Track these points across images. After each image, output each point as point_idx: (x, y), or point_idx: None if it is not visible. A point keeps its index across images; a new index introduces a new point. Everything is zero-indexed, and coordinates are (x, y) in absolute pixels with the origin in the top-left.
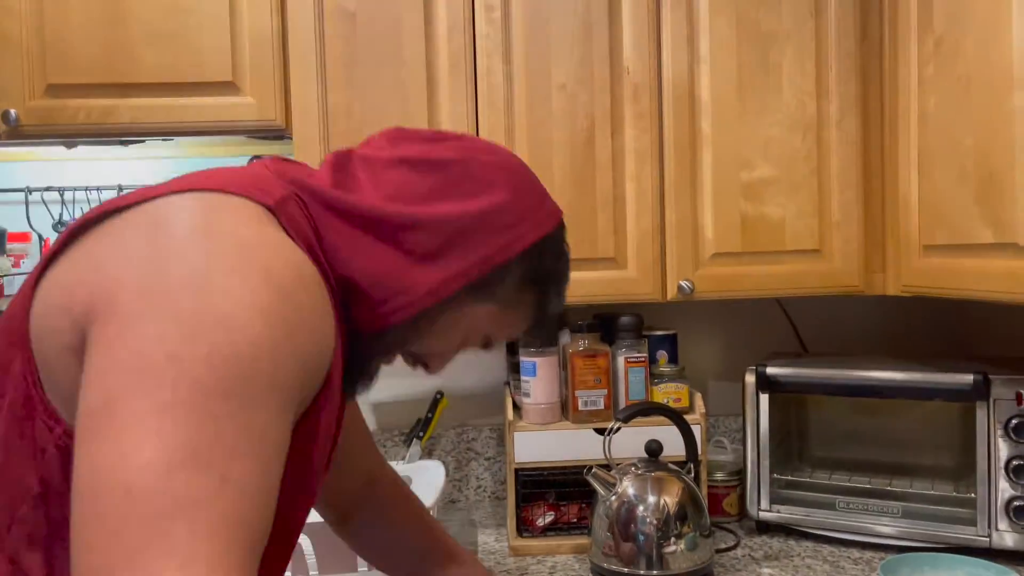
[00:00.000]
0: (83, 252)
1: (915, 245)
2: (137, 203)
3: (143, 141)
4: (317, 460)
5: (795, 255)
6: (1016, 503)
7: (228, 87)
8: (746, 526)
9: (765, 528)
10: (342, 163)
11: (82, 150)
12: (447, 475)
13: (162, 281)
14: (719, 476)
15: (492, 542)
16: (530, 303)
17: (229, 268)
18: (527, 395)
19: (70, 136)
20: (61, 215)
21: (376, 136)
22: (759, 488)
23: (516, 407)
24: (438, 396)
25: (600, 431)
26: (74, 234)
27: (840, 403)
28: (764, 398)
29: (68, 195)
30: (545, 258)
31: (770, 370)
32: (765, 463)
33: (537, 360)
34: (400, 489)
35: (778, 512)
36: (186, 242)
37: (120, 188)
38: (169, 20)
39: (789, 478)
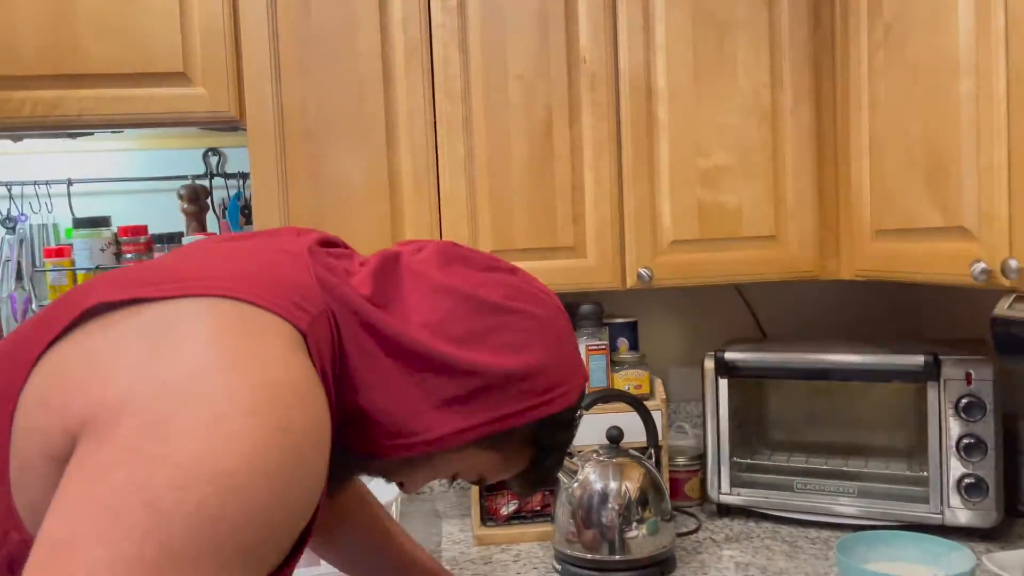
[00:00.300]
0: (93, 347)
1: (867, 230)
2: (169, 297)
3: (92, 133)
4: None
5: (751, 241)
6: (967, 481)
7: (179, 78)
8: (707, 510)
9: (726, 511)
10: (388, 271)
11: (29, 143)
12: None
13: (168, 414)
14: (680, 461)
15: (457, 532)
16: (528, 458)
17: (246, 411)
18: None
19: (16, 129)
20: (9, 210)
21: (428, 247)
22: (719, 472)
23: None
24: None
25: None
26: (93, 313)
27: (798, 387)
28: (723, 383)
29: (16, 189)
30: (558, 427)
31: (728, 355)
32: (725, 447)
33: None
34: (362, 495)
35: (738, 495)
36: (205, 373)
37: (70, 182)
38: (117, 11)
39: (749, 461)
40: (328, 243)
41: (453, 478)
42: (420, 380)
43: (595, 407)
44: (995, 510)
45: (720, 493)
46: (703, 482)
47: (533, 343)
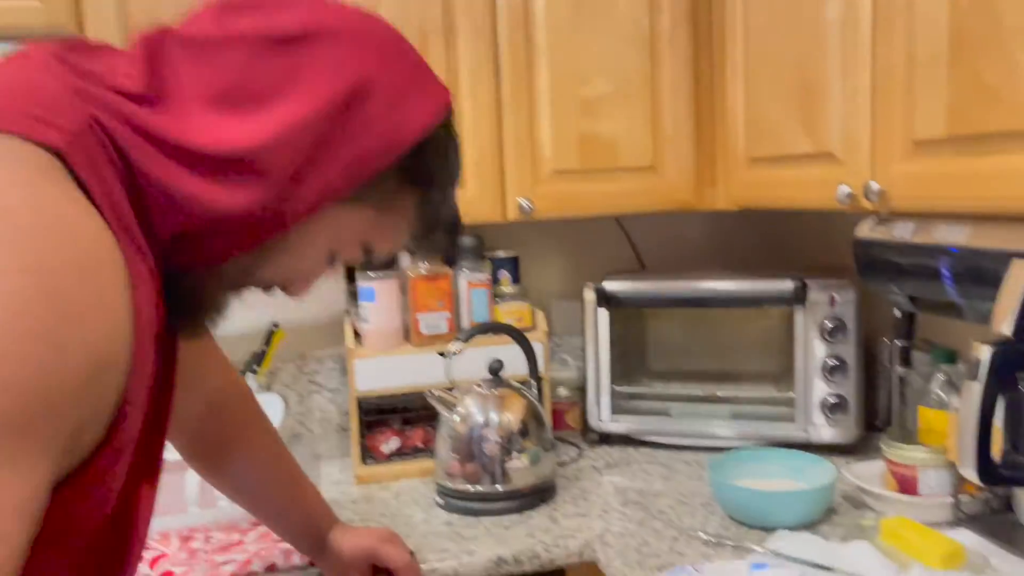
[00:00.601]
0: None
1: (742, 158)
2: None
3: None
4: (144, 495)
5: (631, 172)
6: (830, 400)
7: None
8: (590, 438)
9: (607, 439)
10: (156, 54)
11: None
12: (288, 409)
13: None
14: (563, 392)
15: (336, 472)
16: (412, 205)
17: None
18: (367, 321)
19: None
20: None
21: (200, 8)
22: (600, 401)
23: (358, 335)
24: (273, 328)
25: (444, 354)
26: None
27: (676, 316)
28: (603, 313)
29: None
30: (430, 153)
31: (608, 286)
32: (605, 377)
33: (376, 285)
34: (251, 407)
35: (618, 423)
36: None
37: None
38: None
39: (629, 390)
40: (80, 48)
41: (332, 259)
42: (227, 178)
43: (478, 341)
44: (855, 427)
45: (601, 421)
46: (585, 412)
47: (350, 59)
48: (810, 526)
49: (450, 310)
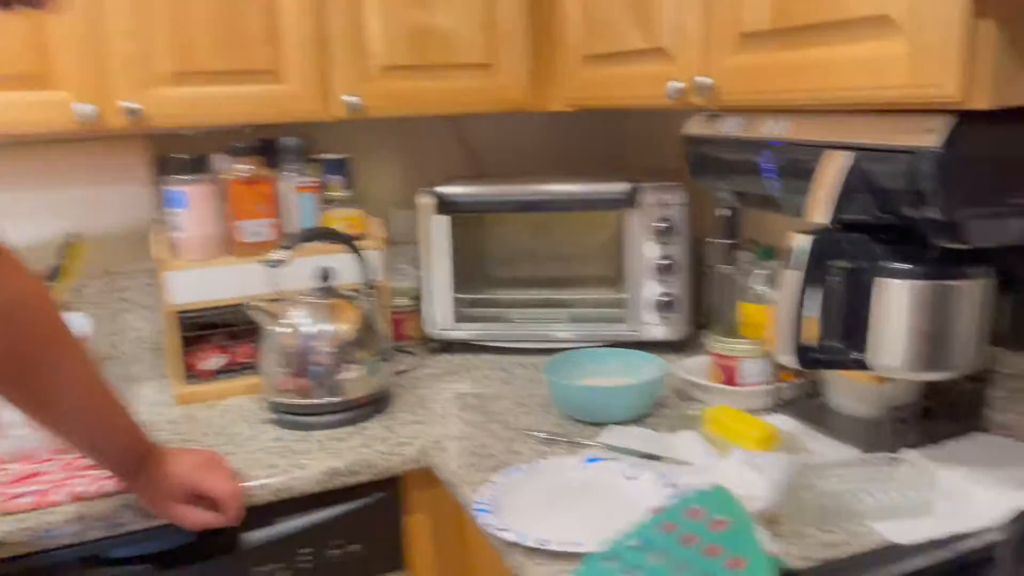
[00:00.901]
0: None
1: (578, 56)
2: None
3: None
4: None
5: (465, 70)
6: (662, 300)
7: None
8: (430, 347)
9: (448, 347)
10: None
11: None
12: (97, 329)
13: None
14: (403, 302)
15: (152, 394)
16: None
17: None
18: (180, 230)
19: None
20: None
21: None
22: (440, 309)
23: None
24: (70, 239)
25: (268, 264)
26: None
27: (515, 223)
28: (441, 220)
29: None
30: None
31: (444, 191)
32: (445, 283)
33: (188, 189)
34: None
35: (459, 330)
36: None
37: None
38: None
39: (470, 297)
40: None
41: None
42: None
43: (309, 251)
44: (685, 324)
45: (440, 329)
46: (423, 321)
47: None
48: (641, 420)
49: (274, 216)
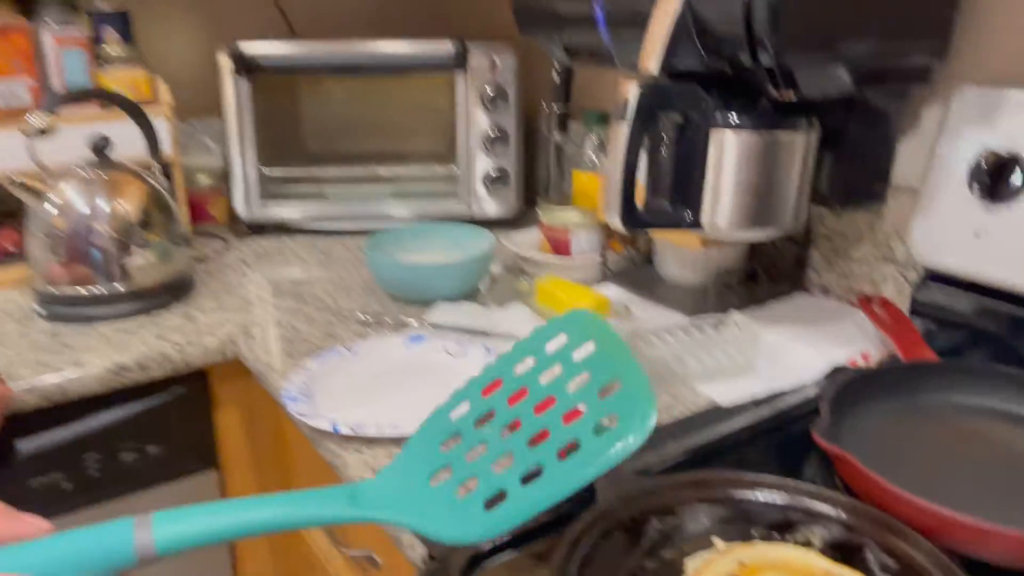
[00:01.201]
0: None
1: None
2: None
3: None
4: None
5: None
6: (492, 174)
7: None
8: (238, 230)
9: (260, 230)
10: None
11: None
12: None
13: None
14: (203, 180)
15: None
16: None
17: None
18: None
19: None
20: None
21: None
22: (246, 187)
23: None
24: None
25: (26, 132)
26: None
27: (333, 91)
28: (244, 84)
29: None
30: None
31: (247, 49)
32: (251, 159)
33: None
34: None
35: (270, 211)
36: None
37: None
38: None
39: (282, 174)
40: None
41: None
42: None
43: (82, 119)
44: (517, 200)
45: (248, 210)
46: (230, 201)
47: None
48: (469, 296)
49: (33, 75)
